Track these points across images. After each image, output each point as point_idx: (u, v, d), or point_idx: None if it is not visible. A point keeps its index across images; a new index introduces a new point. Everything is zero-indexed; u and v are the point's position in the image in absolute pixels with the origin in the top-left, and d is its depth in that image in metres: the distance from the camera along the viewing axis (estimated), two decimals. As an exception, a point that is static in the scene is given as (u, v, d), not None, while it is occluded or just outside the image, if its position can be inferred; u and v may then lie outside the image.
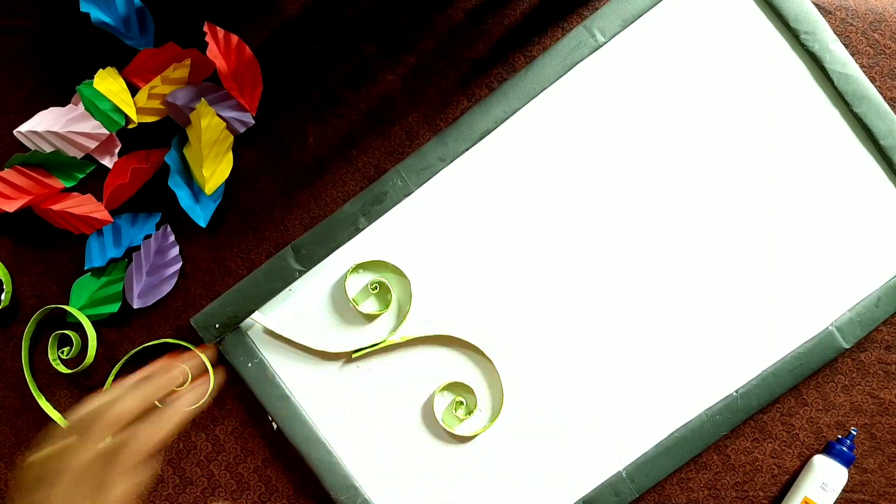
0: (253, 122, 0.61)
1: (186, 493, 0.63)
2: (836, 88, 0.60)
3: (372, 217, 0.61)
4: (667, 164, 0.61)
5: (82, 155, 0.61)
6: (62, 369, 0.62)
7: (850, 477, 0.61)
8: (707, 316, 0.61)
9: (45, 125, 0.61)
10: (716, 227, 0.61)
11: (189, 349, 0.61)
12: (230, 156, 0.61)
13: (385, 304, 0.62)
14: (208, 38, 0.59)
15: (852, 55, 0.60)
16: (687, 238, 0.61)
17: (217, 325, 0.61)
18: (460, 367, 0.62)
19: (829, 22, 0.60)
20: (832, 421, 0.62)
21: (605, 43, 0.60)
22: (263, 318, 0.62)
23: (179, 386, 0.47)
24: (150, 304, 0.62)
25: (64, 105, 0.62)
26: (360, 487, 0.61)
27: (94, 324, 0.63)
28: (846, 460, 0.60)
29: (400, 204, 0.61)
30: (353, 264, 0.61)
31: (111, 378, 0.62)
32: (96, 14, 0.59)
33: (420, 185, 0.61)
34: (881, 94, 0.60)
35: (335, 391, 0.62)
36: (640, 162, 0.61)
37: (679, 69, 0.61)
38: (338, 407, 0.62)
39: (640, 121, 0.61)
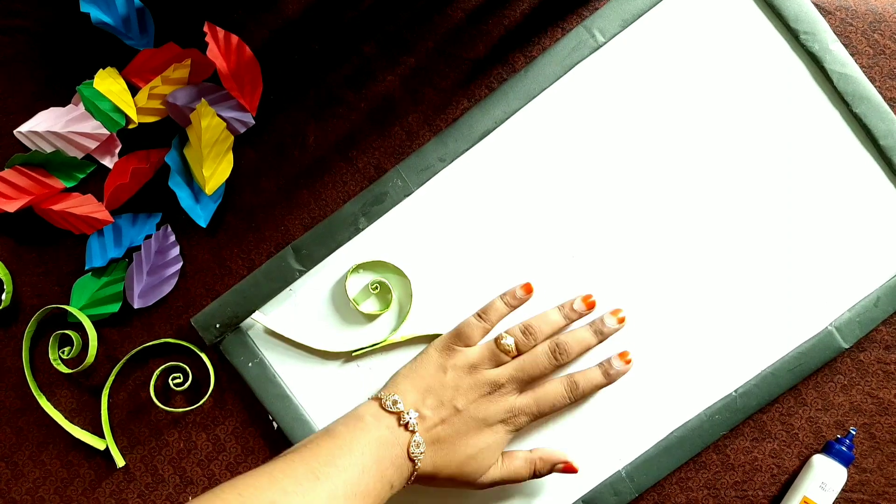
0: (253, 122, 0.61)
1: (187, 492, 0.63)
2: (836, 89, 0.60)
3: (372, 217, 0.61)
4: (666, 165, 0.61)
5: (82, 155, 0.61)
6: (63, 369, 0.62)
7: (850, 476, 0.61)
8: (706, 316, 0.61)
9: (46, 125, 0.61)
10: (715, 228, 0.61)
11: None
12: (230, 156, 0.61)
13: (385, 303, 0.62)
14: (208, 39, 0.59)
15: (852, 55, 0.60)
16: (686, 238, 0.61)
17: (217, 325, 0.61)
18: (460, 367, 0.62)
19: (829, 22, 0.60)
20: (831, 421, 0.62)
21: (605, 43, 0.60)
22: (264, 317, 0.62)
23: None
24: (150, 303, 0.62)
25: (64, 105, 0.62)
26: (360, 487, 0.61)
27: (95, 324, 0.63)
28: (845, 460, 0.60)
29: (400, 204, 0.61)
30: (354, 264, 0.61)
31: (111, 378, 0.63)
32: (96, 14, 0.59)
33: (420, 185, 0.61)
34: (881, 94, 0.60)
35: (335, 391, 0.62)
36: (639, 162, 0.61)
37: (679, 69, 0.61)
38: (338, 406, 0.62)
39: (640, 121, 0.61)
